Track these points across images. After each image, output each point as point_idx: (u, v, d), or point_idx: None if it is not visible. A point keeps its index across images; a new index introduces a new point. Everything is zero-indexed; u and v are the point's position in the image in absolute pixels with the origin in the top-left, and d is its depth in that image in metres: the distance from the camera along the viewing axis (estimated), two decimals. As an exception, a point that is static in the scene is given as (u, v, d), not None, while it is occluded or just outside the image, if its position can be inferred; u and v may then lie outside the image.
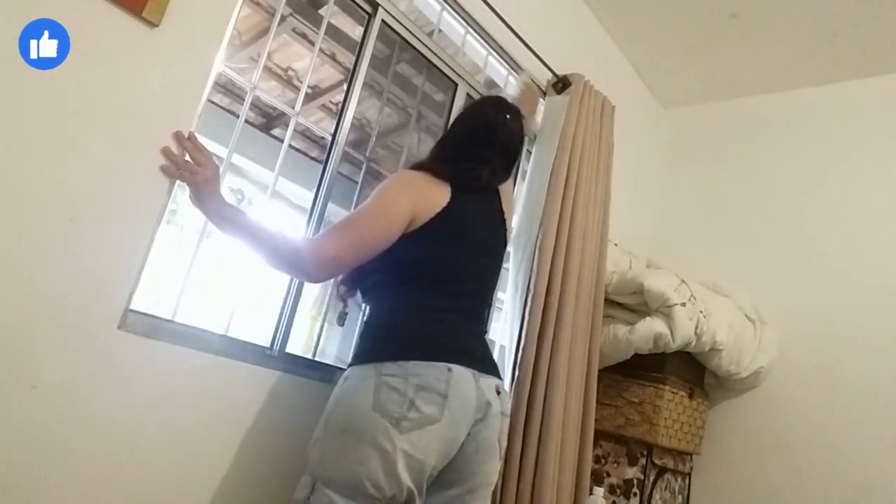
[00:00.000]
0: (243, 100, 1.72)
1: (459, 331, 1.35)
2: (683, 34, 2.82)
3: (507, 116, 1.51)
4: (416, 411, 1.17)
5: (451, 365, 1.23)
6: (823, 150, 2.85)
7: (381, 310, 1.37)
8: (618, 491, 2.35)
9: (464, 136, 1.52)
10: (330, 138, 1.82)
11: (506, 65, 2.43)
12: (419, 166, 1.44)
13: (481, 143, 1.48)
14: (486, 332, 1.47)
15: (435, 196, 1.36)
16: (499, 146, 1.49)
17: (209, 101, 1.49)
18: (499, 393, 1.34)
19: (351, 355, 1.35)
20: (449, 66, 2.15)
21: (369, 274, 1.40)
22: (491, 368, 1.36)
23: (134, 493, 1.33)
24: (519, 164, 2.52)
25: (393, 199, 1.32)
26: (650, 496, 2.33)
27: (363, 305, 1.50)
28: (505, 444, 1.39)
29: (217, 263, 3.26)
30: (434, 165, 1.45)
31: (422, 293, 1.34)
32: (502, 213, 1.55)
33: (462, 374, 1.25)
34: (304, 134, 4.26)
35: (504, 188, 1.59)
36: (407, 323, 1.31)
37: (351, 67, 1.89)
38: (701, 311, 2.33)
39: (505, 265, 2.41)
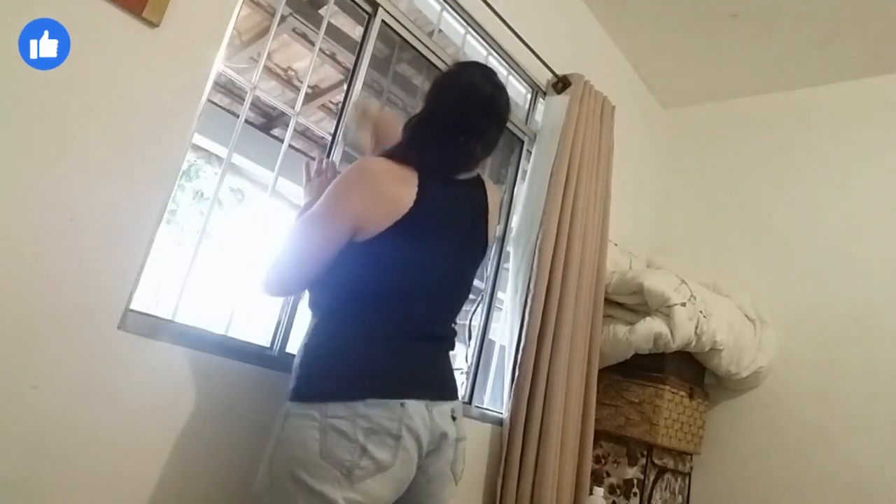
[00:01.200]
0: (243, 100, 1.72)
1: (416, 357, 1.22)
2: (683, 34, 2.82)
3: (497, 79, 1.32)
4: (369, 458, 1.07)
5: (403, 400, 1.13)
6: (823, 149, 2.85)
7: (327, 334, 1.21)
8: (618, 491, 2.35)
9: (456, 106, 1.28)
10: (330, 138, 1.82)
11: (506, 65, 2.43)
12: (387, 154, 1.26)
13: (476, 113, 1.27)
14: (452, 347, 1.33)
15: (396, 197, 1.18)
16: (494, 115, 1.29)
17: (209, 101, 1.49)
18: (454, 418, 1.24)
19: (291, 387, 1.18)
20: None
21: (318, 285, 1.25)
22: (447, 392, 1.25)
23: (134, 493, 1.33)
24: (520, 162, 2.52)
25: (340, 202, 1.19)
26: (650, 496, 2.33)
27: (311, 316, 1.30)
28: (461, 468, 1.28)
29: (217, 263, 3.26)
30: (405, 151, 1.25)
31: (375, 317, 1.19)
32: (485, 206, 1.35)
33: (415, 409, 1.14)
34: (304, 134, 4.26)
35: (486, 178, 1.41)
36: (356, 355, 1.16)
37: (351, 67, 1.89)
38: (701, 311, 2.33)
39: (505, 265, 2.43)
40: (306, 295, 1.32)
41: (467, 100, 1.28)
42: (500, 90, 1.30)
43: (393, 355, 1.18)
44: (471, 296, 1.45)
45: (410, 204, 1.18)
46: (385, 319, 1.20)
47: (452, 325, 1.33)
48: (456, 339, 1.35)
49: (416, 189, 1.20)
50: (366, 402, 1.10)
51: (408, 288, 1.22)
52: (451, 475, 1.25)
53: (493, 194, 1.39)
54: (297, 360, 1.21)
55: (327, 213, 1.20)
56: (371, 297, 1.20)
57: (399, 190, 1.19)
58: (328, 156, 1.79)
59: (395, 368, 1.18)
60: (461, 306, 1.36)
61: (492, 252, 2.39)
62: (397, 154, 1.25)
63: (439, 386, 1.24)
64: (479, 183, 1.36)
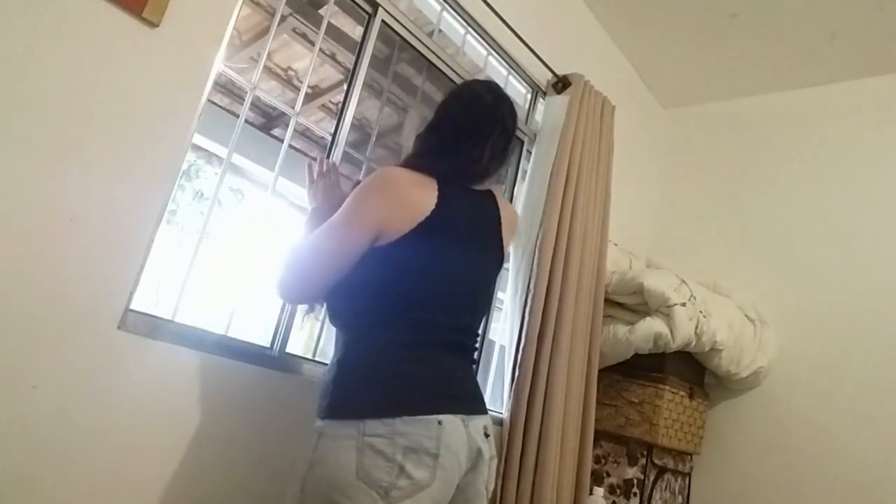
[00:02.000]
0: (243, 100, 1.72)
1: (447, 369, 1.20)
2: (683, 34, 2.82)
3: (500, 90, 1.36)
4: (407, 478, 1.04)
5: (440, 416, 1.10)
6: (823, 150, 2.85)
7: (357, 347, 1.19)
8: (618, 491, 2.35)
9: (460, 114, 1.32)
10: (330, 138, 1.82)
11: (506, 65, 2.43)
12: (404, 163, 1.27)
13: (480, 119, 1.30)
14: (476, 361, 1.32)
15: (417, 201, 1.19)
16: (499, 121, 1.31)
17: (209, 101, 1.49)
18: (487, 436, 1.21)
19: (324, 404, 1.14)
20: (449, 66, 2.15)
21: (338, 297, 1.23)
22: (479, 406, 1.23)
23: (134, 493, 1.33)
24: (520, 162, 2.52)
25: (362, 209, 1.18)
26: (650, 496, 2.32)
27: (334, 333, 1.28)
28: (493, 487, 1.25)
29: (217, 263, 3.26)
30: (419, 160, 1.28)
31: (403, 327, 1.18)
32: (498, 217, 1.37)
33: (452, 425, 1.11)
34: (304, 134, 4.26)
35: (498, 193, 1.42)
36: (390, 368, 1.14)
37: (351, 67, 1.89)
38: (701, 311, 2.33)
39: (505, 265, 2.42)
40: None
41: (470, 108, 1.32)
42: (502, 99, 1.34)
43: (425, 368, 1.17)
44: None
45: (432, 207, 1.19)
46: (411, 331, 1.18)
47: (476, 335, 1.31)
48: (476, 352, 1.33)
49: (436, 193, 1.20)
50: (403, 419, 1.07)
51: (431, 292, 1.21)
52: (486, 493, 1.23)
53: (506, 207, 1.40)
54: (329, 377, 1.18)
55: (350, 219, 1.19)
56: (395, 304, 1.19)
57: (419, 194, 1.20)
58: (328, 156, 1.79)
59: (429, 381, 1.16)
60: (483, 314, 1.34)
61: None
62: (412, 163, 1.26)
63: (472, 400, 1.22)
64: (490, 195, 1.37)
